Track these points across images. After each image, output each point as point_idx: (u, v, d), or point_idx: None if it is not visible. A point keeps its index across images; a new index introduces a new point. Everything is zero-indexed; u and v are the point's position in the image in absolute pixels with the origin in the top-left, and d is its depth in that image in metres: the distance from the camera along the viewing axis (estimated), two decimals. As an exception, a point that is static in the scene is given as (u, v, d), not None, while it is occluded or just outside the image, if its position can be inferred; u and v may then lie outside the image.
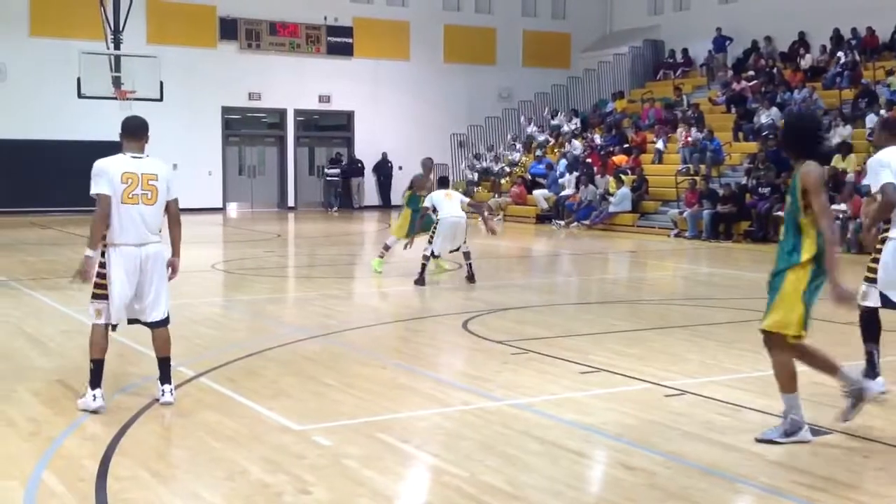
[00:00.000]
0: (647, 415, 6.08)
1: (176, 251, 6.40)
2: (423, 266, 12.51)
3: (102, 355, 6.16)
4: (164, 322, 6.31)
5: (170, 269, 6.32)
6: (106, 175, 6.06)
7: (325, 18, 30.22)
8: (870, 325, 6.55)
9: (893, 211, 6.16)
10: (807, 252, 5.30)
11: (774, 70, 26.09)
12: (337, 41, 30.47)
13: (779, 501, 4.63)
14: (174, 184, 6.30)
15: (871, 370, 6.51)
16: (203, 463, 5.18)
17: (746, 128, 23.61)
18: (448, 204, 12.65)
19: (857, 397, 5.53)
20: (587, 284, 14.12)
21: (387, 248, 13.80)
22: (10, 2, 26.41)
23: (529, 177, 27.07)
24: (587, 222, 23.06)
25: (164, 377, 6.30)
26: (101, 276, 6.12)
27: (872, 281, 6.37)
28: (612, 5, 34.20)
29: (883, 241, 6.33)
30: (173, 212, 6.30)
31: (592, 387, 6.90)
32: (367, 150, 31.07)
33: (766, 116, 23.19)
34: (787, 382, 5.46)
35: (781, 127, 5.74)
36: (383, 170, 31.25)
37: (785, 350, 5.44)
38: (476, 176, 29.17)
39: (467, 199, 13.48)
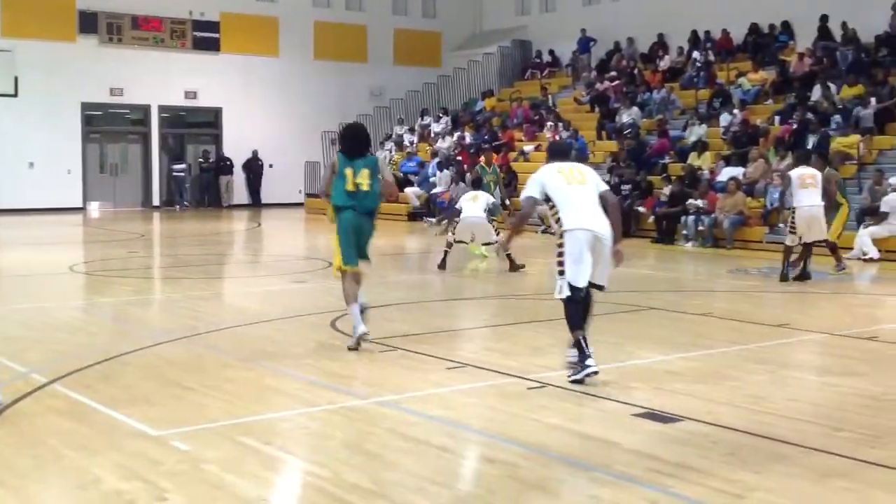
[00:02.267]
0: (510, 408, 6.18)
1: None
2: (445, 252, 14.02)
3: None
4: None
5: None
6: None
7: (191, 13, 29.52)
8: (574, 315, 6.87)
9: (527, 220, 7.36)
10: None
11: (635, 71, 26.92)
12: (203, 36, 29.81)
13: (635, 489, 4.76)
14: None
15: (583, 355, 6.78)
16: (54, 472, 4.98)
17: (609, 127, 24.27)
18: (470, 205, 14.05)
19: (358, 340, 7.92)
20: (457, 281, 14.24)
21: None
22: None
23: (401, 174, 27.11)
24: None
25: None
26: None
27: (563, 273, 6.85)
28: (482, 5, 34.61)
29: (562, 235, 6.88)
30: None
31: (458, 382, 6.98)
32: (236, 147, 30.50)
33: (628, 116, 23.91)
34: (347, 298, 8.05)
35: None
36: (253, 167, 30.75)
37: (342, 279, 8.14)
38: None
39: (493, 200, 14.47)
